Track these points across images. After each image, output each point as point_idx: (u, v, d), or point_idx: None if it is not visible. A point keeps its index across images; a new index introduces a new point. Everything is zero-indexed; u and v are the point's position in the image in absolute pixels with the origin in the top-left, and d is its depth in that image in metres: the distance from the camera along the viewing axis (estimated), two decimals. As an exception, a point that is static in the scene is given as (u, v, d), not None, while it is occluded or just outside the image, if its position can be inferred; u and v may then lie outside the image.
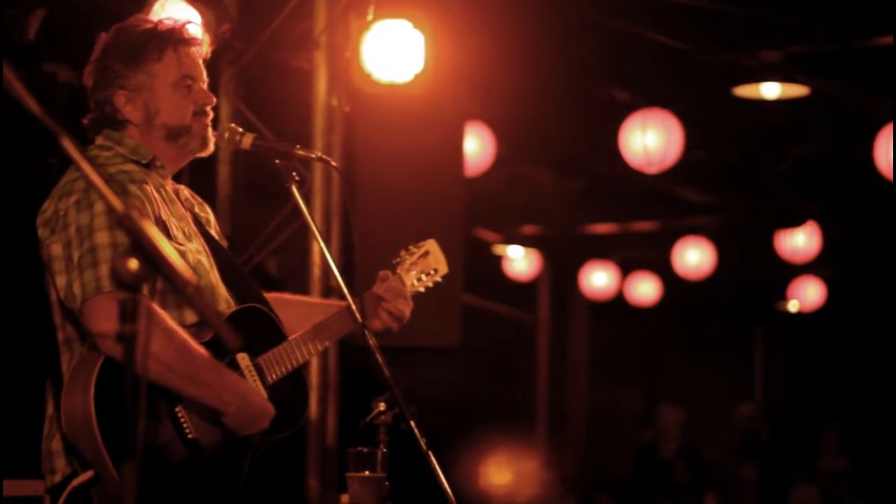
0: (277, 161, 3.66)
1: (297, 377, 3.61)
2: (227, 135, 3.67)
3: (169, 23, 3.62)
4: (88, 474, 3.26)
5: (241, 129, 3.70)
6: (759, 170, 10.93)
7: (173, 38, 3.57)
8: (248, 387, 3.43)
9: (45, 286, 3.44)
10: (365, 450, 3.66)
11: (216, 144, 3.67)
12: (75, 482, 3.29)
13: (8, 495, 4.16)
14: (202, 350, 3.31)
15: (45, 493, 3.42)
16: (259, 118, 6.18)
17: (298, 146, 3.69)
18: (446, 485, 3.53)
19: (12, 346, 4.87)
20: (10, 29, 5.50)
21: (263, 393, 3.48)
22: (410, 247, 3.98)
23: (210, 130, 3.63)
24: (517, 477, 8.39)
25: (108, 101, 3.54)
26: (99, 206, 3.30)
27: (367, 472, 3.65)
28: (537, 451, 12.57)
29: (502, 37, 7.57)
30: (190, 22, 3.68)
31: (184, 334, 3.29)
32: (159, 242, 2.24)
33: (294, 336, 3.62)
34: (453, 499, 3.53)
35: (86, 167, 2.29)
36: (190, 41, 3.60)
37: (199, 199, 3.78)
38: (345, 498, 3.71)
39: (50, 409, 3.42)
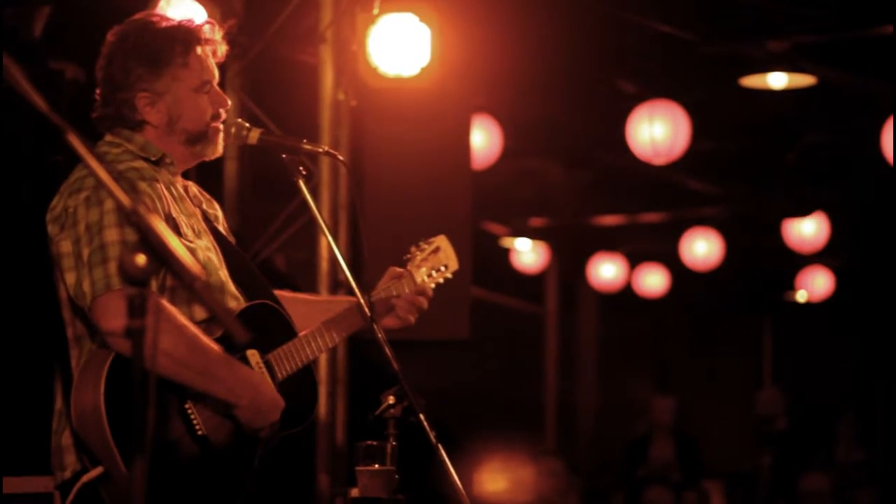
0: (284, 156, 3.66)
1: (306, 373, 3.60)
2: (233, 130, 3.66)
3: (188, 22, 3.58)
4: (98, 470, 3.25)
5: (247, 125, 3.69)
6: (767, 160, 10.92)
7: (195, 40, 3.54)
8: (259, 378, 3.43)
9: (55, 283, 3.43)
10: (374, 443, 3.66)
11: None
12: (85, 478, 3.28)
13: (8, 492, 4.14)
14: (213, 344, 3.31)
15: (55, 490, 3.42)
16: (265, 113, 6.18)
17: (305, 140, 3.69)
18: (456, 477, 3.53)
19: (20, 343, 4.87)
20: (17, 26, 5.51)
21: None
22: (421, 243, 3.96)
23: (221, 136, 3.62)
24: (512, 485, 8.33)
25: (129, 102, 3.51)
26: (109, 204, 3.28)
27: (376, 466, 3.66)
28: (542, 445, 12.55)
29: (508, 29, 7.56)
30: (209, 22, 3.65)
31: (194, 329, 3.29)
32: (167, 238, 2.24)
33: (304, 332, 3.61)
34: (463, 491, 3.53)
35: (93, 162, 2.29)
36: (208, 42, 3.58)
37: (208, 196, 3.77)
38: (354, 491, 3.71)
39: (59, 405, 3.41)
